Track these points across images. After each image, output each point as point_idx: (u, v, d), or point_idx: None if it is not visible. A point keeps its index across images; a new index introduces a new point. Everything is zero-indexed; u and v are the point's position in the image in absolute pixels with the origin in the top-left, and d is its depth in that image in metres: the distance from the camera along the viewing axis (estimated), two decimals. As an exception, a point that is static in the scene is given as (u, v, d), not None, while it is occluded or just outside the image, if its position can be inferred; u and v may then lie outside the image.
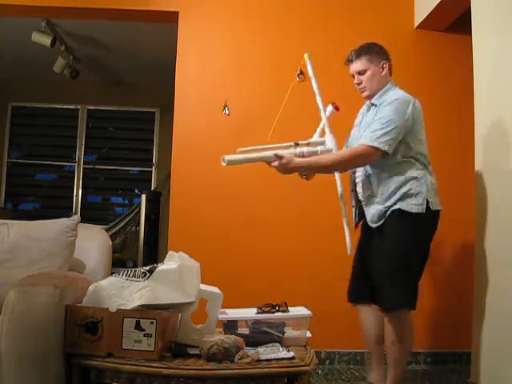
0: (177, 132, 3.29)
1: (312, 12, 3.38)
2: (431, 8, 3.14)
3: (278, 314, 1.87)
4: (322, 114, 2.39)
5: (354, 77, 2.34)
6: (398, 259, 2.17)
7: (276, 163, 2.15)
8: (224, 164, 2.11)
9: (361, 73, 2.30)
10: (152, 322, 1.55)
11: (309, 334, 1.87)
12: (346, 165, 2.27)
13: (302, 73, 3.23)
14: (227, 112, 3.25)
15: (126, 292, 1.62)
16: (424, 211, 2.16)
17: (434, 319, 3.16)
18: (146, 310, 1.58)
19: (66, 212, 5.59)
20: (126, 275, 1.66)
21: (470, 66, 2.61)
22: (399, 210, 2.16)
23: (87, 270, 2.21)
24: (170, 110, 3.43)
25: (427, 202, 2.18)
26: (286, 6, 3.39)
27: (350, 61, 2.33)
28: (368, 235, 2.32)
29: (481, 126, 2.54)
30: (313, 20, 3.37)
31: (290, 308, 1.91)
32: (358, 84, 2.31)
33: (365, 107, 2.42)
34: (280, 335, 1.79)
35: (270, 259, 3.15)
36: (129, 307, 1.59)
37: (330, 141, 2.32)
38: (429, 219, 2.21)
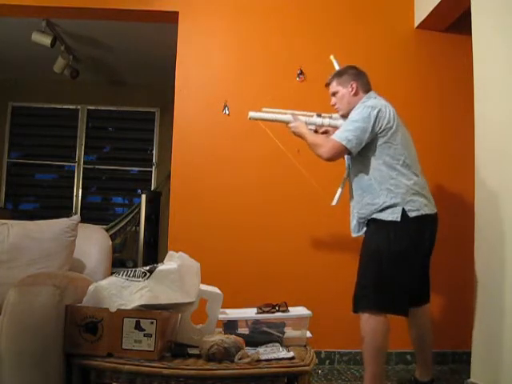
0: (177, 132, 3.29)
1: (312, 12, 3.38)
2: (431, 8, 3.14)
3: (278, 314, 1.87)
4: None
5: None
6: (366, 263, 2.30)
7: (292, 124, 2.49)
8: (248, 118, 2.56)
9: (334, 94, 2.51)
10: (152, 322, 1.55)
11: (309, 334, 1.87)
12: (314, 149, 2.41)
13: (301, 73, 3.24)
14: (227, 112, 3.25)
15: (125, 292, 1.62)
16: (399, 219, 2.23)
17: (433, 319, 3.16)
18: (146, 310, 1.58)
19: (66, 212, 5.60)
20: (126, 275, 1.66)
21: (470, 66, 2.61)
22: (373, 219, 2.31)
23: (87, 270, 2.20)
24: (169, 110, 3.43)
25: (403, 210, 2.24)
26: (286, 5, 3.39)
27: (327, 84, 2.56)
28: None
29: (481, 126, 2.54)
30: (313, 20, 3.37)
31: (289, 308, 1.91)
32: (333, 105, 2.53)
33: None
34: (280, 335, 1.79)
35: (270, 259, 3.16)
36: (129, 307, 1.59)
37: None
38: (408, 226, 2.26)
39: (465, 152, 2.91)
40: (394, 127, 2.32)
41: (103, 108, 6.07)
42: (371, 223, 2.33)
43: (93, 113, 6.08)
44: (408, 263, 2.26)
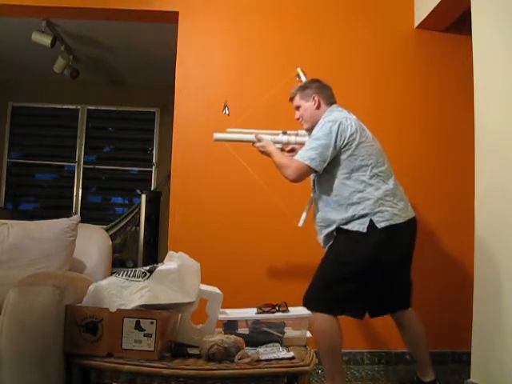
0: (177, 132, 3.29)
1: (312, 12, 3.38)
2: (431, 8, 3.14)
3: (278, 314, 1.87)
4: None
5: None
6: (322, 267, 2.35)
7: (257, 144, 2.49)
8: (213, 140, 2.56)
9: (297, 108, 2.51)
10: (152, 322, 1.55)
11: (309, 334, 1.87)
12: (281, 170, 2.39)
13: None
14: (227, 112, 3.25)
15: (125, 292, 1.62)
16: (365, 230, 2.22)
17: (433, 319, 3.16)
18: (146, 310, 1.58)
19: (66, 212, 5.60)
20: (126, 275, 1.66)
21: (469, 66, 2.61)
22: (340, 228, 2.31)
23: (87, 270, 2.21)
24: (170, 110, 3.43)
25: (371, 221, 2.23)
26: (285, 5, 3.39)
27: (290, 99, 2.56)
28: None
29: (481, 126, 2.54)
30: (313, 20, 3.37)
31: (290, 308, 1.91)
32: (297, 119, 2.52)
33: None
34: (280, 335, 1.79)
35: (271, 259, 3.16)
36: (129, 307, 1.58)
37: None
38: (375, 237, 2.23)
39: (465, 152, 2.91)
40: (358, 138, 2.29)
41: (103, 108, 6.07)
42: (338, 233, 2.33)
43: (93, 113, 6.08)
44: (372, 273, 2.25)
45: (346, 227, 2.27)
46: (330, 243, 2.38)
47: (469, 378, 2.49)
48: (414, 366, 3.09)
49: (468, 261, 2.60)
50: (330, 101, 2.47)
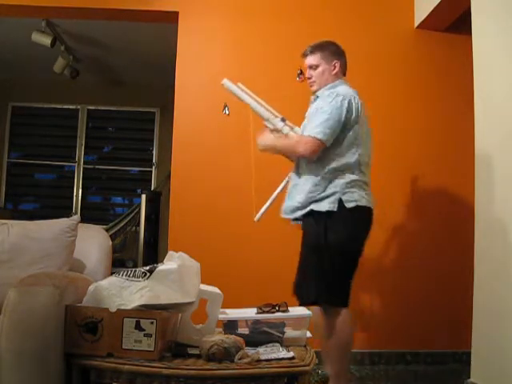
0: (177, 132, 3.29)
1: (312, 12, 3.38)
2: (431, 8, 3.14)
3: (278, 314, 1.87)
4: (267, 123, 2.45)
5: (307, 71, 2.42)
6: (306, 256, 2.28)
7: (259, 147, 2.40)
8: (222, 83, 2.40)
9: (312, 67, 2.37)
10: (152, 322, 1.55)
11: (309, 334, 1.87)
12: (291, 151, 2.36)
13: (302, 72, 3.23)
14: (227, 112, 3.25)
15: (125, 292, 1.62)
16: (335, 209, 2.19)
17: (434, 319, 3.16)
18: (146, 310, 1.58)
19: (66, 212, 5.59)
20: (125, 275, 1.66)
21: (469, 66, 2.61)
22: (311, 210, 2.25)
23: (87, 270, 2.20)
24: (170, 110, 3.43)
25: (340, 200, 2.20)
26: (285, 5, 3.39)
27: (305, 55, 2.41)
28: None
29: (481, 126, 2.54)
30: (312, 20, 3.37)
31: (289, 308, 1.91)
32: (309, 78, 2.40)
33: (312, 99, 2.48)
34: (280, 335, 1.79)
35: (271, 259, 3.15)
36: (129, 307, 1.58)
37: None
38: (345, 216, 2.21)
39: (465, 151, 2.91)
40: (359, 121, 2.26)
41: (103, 108, 6.07)
42: (309, 216, 2.26)
43: (93, 113, 6.08)
44: (347, 254, 2.23)
45: (317, 208, 2.24)
46: (294, 221, 2.40)
47: (469, 378, 2.49)
48: (414, 366, 3.10)
49: (468, 260, 2.59)
50: (344, 71, 2.43)
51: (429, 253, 3.21)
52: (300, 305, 2.17)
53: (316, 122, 2.21)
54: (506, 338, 2.24)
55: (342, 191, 2.21)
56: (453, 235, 3.23)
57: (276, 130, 2.36)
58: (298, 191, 2.29)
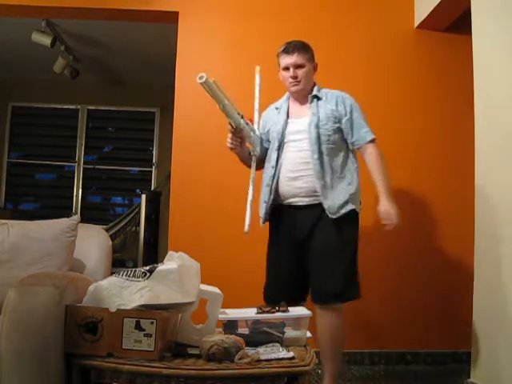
0: (177, 132, 3.29)
1: (312, 12, 3.38)
2: (431, 8, 3.14)
3: (278, 314, 1.87)
4: (256, 113, 2.48)
5: (287, 69, 2.39)
6: (347, 254, 2.31)
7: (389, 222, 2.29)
8: (197, 79, 2.06)
9: (299, 67, 2.36)
10: (152, 322, 1.55)
11: (309, 334, 1.87)
12: (384, 167, 2.37)
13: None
14: (227, 112, 3.24)
15: (125, 292, 1.62)
16: (359, 210, 2.36)
17: (434, 319, 3.17)
18: (146, 309, 1.58)
19: (66, 212, 5.60)
20: (125, 275, 1.66)
21: (469, 66, 2.62)
22: (352, 209, 2.30)
23: (87, 270, 2.20)
24: (170, 110, 3.43)
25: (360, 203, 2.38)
26: (285, 5, 3.39)
27: (288, 52, 2.37)
28: (301, 233, 2.33)
29: (481, 126, 2.55)
30: (312, 20, 3.37)
31: (289, 308, 1.91)
32: (294, 77, 2.36)
33: (282, 103, 2.49)
34: (280, 335, 1.79)
35: (270, 259, 3.15)
36: (129, 307, 1.58)
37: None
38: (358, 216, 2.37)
39: (465, 151, 2.91)
40: None
41: (103, 108, 6.08)
42: (347, 214, 2.28)
43: (93, 113, 6.09)
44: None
45: (353, 207, 2.33)
46: (339, 221, 2.34)
47: (469, 378, 2.50)
48: (414, 366, 3.10)
49: (468, 260, 2.60)
50: None
51: (428, 253, 3.21)
52: (343, 301, 2.26)
53: (364, 124, 2.35)
54: (505, 338, 2.24)
55: (359, 191, 2.36)
56: (452, 235, 3.23)
57: (237, 129, 2.29)
58: (337, 191, 2.28)
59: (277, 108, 2.51)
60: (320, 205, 2.28)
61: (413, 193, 3.27)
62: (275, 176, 2.36)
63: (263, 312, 1.88)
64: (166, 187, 5.06)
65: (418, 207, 3.27)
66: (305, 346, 1.80)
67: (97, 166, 6.08)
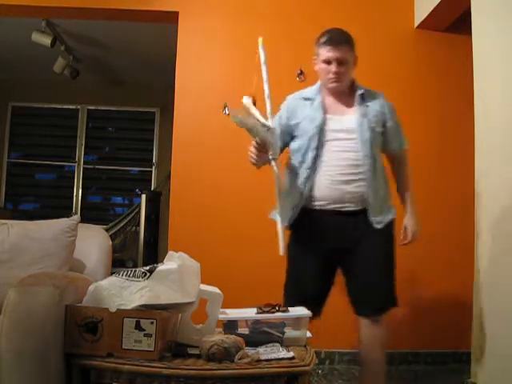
0: (177, 132, 3.29)
1: (311, 12, 3.38)
2: (431, 8, 3.14)
3: (278, 314, 1.86)
4: (267, 100, 2.20)
5: (328, 62, 2.11)
6: (391, 261, 2.18)
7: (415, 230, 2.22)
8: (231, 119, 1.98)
9: (341, 62, 2.10)
10: (152, 322, 1.55)
11: (309, 334, 1.87)
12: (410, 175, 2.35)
13: (301, 73, 3.24)
14: (227, 112, 3.25)
15: (125, 292, 1.62)
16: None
17: (433, 319, 3.16)
18: (146, 310, 1.58)
19: (66, 212, 5.60)
20: (125, 275, 1.66)
21: (469, 66, 2.61)
22: (394, 218, 2.19)
23: (87, 270, 2.20)
24: (170, 110, 3.43)
25: None
26: (285, 5, 3.39)
27: (332, 44, 2.09)
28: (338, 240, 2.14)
29: (481, 126, 2.55)
30: (312, 20, 3.36)
31: (290, 308, 1.91)
32: (336, 73, 2.10)
33: (314, 95, 2.19)
34: (280, 335, 1.79)
35: (271, 259, 3.14)
36: (129, 307, 1.58)
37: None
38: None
39: (465, 151, 2.91)
40: None
41: (103, 108, 6.08)
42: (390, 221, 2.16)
43: (93, 113, 6.09)
44: None
45: (393, 216, 2.22)
46: (383, 229, 2.19)
47: (469, 378, 2.49)
48: (413, 366, 3.10)
49: (468, 260, 2.60)
50: None
51: (428, 253, 3.21)
52: (387, 310, 2.13)
53: (401, 134, 2.27)
54: (505, 337, 2.24)
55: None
56: (452, 235, 3.23)
57: (263, 143, 2.02)
58: (383, 198, 2.15)
59: (306, 99, 2.20)
60: (365, 212, 2.09)
61: (412, 193, 3.27)
62: (310, 178, 2.10)
63: (263, 312, 1.88)
64: (166, 187, 5.07)
65: (418, 207, 3.26)
66: (305, 346, 1.80)
67: (97, 166, 6.08)
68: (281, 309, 1.88)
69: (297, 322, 1.88)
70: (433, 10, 3.14)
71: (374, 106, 2.17)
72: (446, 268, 3.22)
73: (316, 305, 2.11)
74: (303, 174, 2.11)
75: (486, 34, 2.54)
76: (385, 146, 2.21)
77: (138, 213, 5.34)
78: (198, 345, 1.64)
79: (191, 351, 1.65)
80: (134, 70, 5.43)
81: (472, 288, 2.51)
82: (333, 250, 2.12)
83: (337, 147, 2.09)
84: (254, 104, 2.14)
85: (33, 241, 2.08)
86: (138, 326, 1.55)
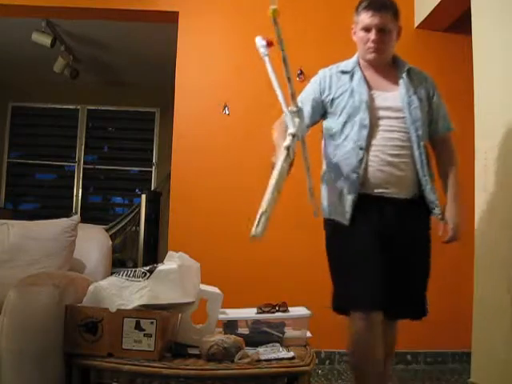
0: (177, 132, 3.29)
1: (311, 12, 3.38)
2: (431, 8, 3.14)
3: (278, 314, 1.87)
4: (289, 84, 1.81)
5: (367, 30, 1.87)
6: (428, 262, 2.05)
7: None
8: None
9: (383, 30, 1.86)
10: (152, 322, 1.55)
11: (309, 334, 1.87)
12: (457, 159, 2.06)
13: (301, 73, 3.24)
14: (227, 112, 3.25)
15: (126, 292, 1.62)
16: None
17: (433, 319, 3.15)
18: (146, 310, 1.58)
19: (66, 212, 5.60)
20: (125, 275, 1.66)
21: (470, 66, 2.61)
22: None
23: (87, 270, 2.21)
24: (169, 110, 3.43)
25: None
26: (286, 5, 3.38)
27: (374, 9, 1.84)
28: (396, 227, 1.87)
29: (481, 126, 2.54)
30: (312, 20, 3.37)
31: (289, 308, 1.91)
32: (376, 42, 1.86)
33: (353, 68, 1.94)
34: (280, 335, 1.79)
35: (271, 259, 3.15)
36: (129, 307, 1.59)
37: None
38: None
39: (465, 151, 2.90)
40: None
41: (103, 108, 6.07)
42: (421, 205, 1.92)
43: (93, 113, 6.08)
44: None
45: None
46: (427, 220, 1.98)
47: (469, 377, 2.49)
48: (413, 366, 3.10)
49: (468, 260, 2.59)
50: None
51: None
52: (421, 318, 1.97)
53: (447, 113, 2.02)
54: (506, 337, 2.24)
55: None
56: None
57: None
58: (431, 186, 1.93)
59: (344, 72, 1.96)
60: (416, 201, 1.90)
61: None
62: (364, 159, 1.82)
63: (263, 312, 1.88)
64: (166, 187, 5.06)
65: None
66: (305, 346, 1.80)
67: (97, 166, 6.08)
68: (281, 309, 1.88)
69: (297, 322, 1.88)
70: (433, 10, 3.14)
71: (420, 83, 1.95)
72: (445, 268, 3.22)
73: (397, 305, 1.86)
74: (358, 154, 1.83)
75: (485, 33, 2.54)
76: (429, 127, 1.96)
77: (138, 213, 5.34)
78: (198, 345, 1.64)
79: (191, 351, 1.65)
80: (134, 70, 5.43)
81: (472, 288, 2.51)
82: (391, 241, 1.84)
83: (385, 126, 1.86)
84: (270, 45, 1.90)
85: (33, 241, 2.09)
86: (137, 326, 1.56)
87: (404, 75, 1.92)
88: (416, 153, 1.86)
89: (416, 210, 1.90)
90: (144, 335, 1.55)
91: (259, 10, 3.35)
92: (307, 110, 1.93)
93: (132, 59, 5.12)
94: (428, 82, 1.99)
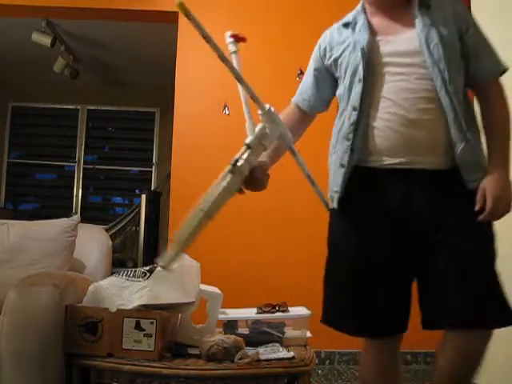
0: (177, 132, 3.29)
1: (312, 12, 3.37)
2: (431, 8, 3.14)
3: (278, 314, 1.87)
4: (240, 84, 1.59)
5: None
6: (493, 258, 1.58)
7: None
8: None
9: None
10: (152, 322, 1.55)
11: (309, 334, 1.87)
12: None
13: (301, 73, 3.23)
14: (227, 112, 3.25)
15: (126, 292, 1.62)
16: None
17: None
18: (146, 310, 1.58)
19: (66, 212, 5.60)
20: (125, 275, 1.66)
21: (469, 66, 2.61)
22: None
23: (87, 270, 2.21)
24: (169, 110, 3.43)
25: None
26: (286, 5, 3.39)
27: None
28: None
29: (481, 126, 2.54)
30: (312, 20, 3.36)
31: (289, 308, 1.91)
32: None
33: (356, 17, 1.56)
34: (280, 335, 1.79)
35: (271, 259, 3.15)
36: (129, 307, 1.59)
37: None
38: None
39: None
40: None
41: (103, 108, 6.08)
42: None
43: (93, 113, 6.09)
44: None
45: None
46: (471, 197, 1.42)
47: (469, 377, 2.49)
48: (413, 366, 3.10)
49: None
50: None
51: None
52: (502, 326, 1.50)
53: (492, 48, 1.59)
54: (506, 337, 2.24)
55: None
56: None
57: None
58: (476, 146, 1.46)
59: (345, 25, 1.58)
60: (450, 171, 1.39)
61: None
62: (361, 122, 1.42)
63: (263, 312, 1.88)
64: (166, 187, 5.07)
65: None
66: (305, 346, 1.80)
67: (97, 166, 6.08)
68: (281, 309, 1.88)
69: (297, 322, 1.88)
70: (433, 10, 3.14)
71: (444, 10, 1.48)
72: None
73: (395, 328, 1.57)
74: (352, 117, 1.44)
75: (485, 33, 2.54)
76: (467, 71, 1.50)
77: (138, 213, 5.34)
78: (197, 345, 1.64)
79: (191, 351, 1.65)
80: (134, 70, 5.43)
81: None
82: (403, 234, 1.42)
83: (397, 75, 1.43)
84: (240, 41, 1.71)
85: (33, 241, 2.09)
86: (137, 326, 1.56)
87: (418, 7, 1.46)
88: (444, 101, 1.38)
89: (459, 185, 1.40)
90: (144, 335, 1.55)
91: (259, 10, 3.37)
92: (309, 81, 1.65)
93: (132, 59, 5.12)
94: (454, 4, 1.52)
